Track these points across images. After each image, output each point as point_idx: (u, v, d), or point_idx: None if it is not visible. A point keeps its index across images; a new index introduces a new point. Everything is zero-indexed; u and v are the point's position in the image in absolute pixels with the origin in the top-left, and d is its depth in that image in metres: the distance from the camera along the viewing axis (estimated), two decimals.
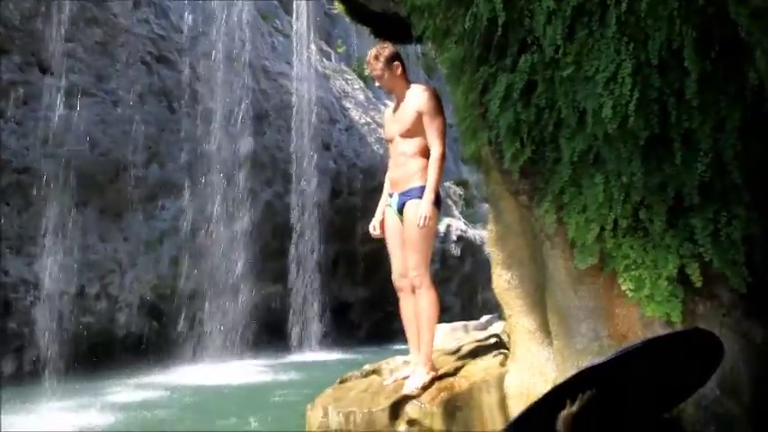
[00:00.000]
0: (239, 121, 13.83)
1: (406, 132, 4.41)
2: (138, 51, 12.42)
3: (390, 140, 4.56)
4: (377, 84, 4.57)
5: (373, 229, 4.68)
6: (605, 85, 3.40)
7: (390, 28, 7.48)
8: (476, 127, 4.24)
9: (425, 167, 4.36)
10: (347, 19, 9.52)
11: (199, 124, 13.16)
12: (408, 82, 4.56)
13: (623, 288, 3.44)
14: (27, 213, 10.53)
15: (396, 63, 4.48)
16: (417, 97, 4.41)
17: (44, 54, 10.92)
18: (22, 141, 10.57)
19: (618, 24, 3.38)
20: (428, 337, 4.31)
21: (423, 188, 4.33)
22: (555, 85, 3.63)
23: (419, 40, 5.19)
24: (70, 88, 11.10)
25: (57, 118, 10.80)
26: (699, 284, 3.32)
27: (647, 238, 3.42)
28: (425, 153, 4.40)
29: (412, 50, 17.08)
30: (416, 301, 4.34)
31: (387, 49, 4.51)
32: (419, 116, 4.37)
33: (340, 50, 18.34)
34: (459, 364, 4.51)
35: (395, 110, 4.56)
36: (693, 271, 3.32)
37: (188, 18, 13.41)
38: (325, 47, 17.82)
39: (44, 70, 11.01)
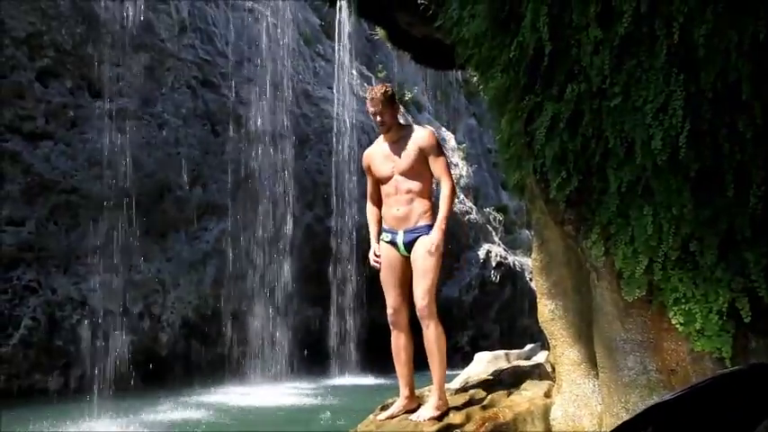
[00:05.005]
0: (281, 144, 14.00)
1: (409, 170, 4.44)
2: (183, 76, 12.72)
3: (385, 179, 4.55)
4: (376, 121, 4.56)
5: (374, 255, 4.66)
6: (654, 116, 3.36)
7: (431, 54, 7.52)
8: (520, 155, 4.22)
9: (431, 208, 4.44)
10: (388, 45, 9.61)
11: (242, 147, 13.36)
12: (400, 123, 4.61)
13: (673, 322, 3.38)
14: (75, 233, 10.78)
15: (396, 104, 4.59)
16: (420, 137, 4.47)
17: (94, 78, 11.24)
18: (71, 163, 10.85)
19: (668, 55, 3.35)
20: (439, 369, 4.29)
21: (430, 227, 4.38)
22: (602, 114, 3.60)
23: (461, 66, 5.20)
24: (118, 111, 11.39)
25: (104, 140, 11.09)
26: (748, 319, 3.24)
27: (697, 271, 3.35)
28: (429, 194, 4.47)
29: (453, 77, 17.15)
30: (425, 334, 4.33)
31: (388, 88, 4.56)
32: (422, 155, 4.41)
33: (381, 75, 18.49)
34: (503, 393, 4.46)
35: (387, 149, 4.54)
36: (743, 305, 3.25)
37: (232, 43, 13.67)
38: (366, 71, 17.98)
39: (93, 94, 11.32)
